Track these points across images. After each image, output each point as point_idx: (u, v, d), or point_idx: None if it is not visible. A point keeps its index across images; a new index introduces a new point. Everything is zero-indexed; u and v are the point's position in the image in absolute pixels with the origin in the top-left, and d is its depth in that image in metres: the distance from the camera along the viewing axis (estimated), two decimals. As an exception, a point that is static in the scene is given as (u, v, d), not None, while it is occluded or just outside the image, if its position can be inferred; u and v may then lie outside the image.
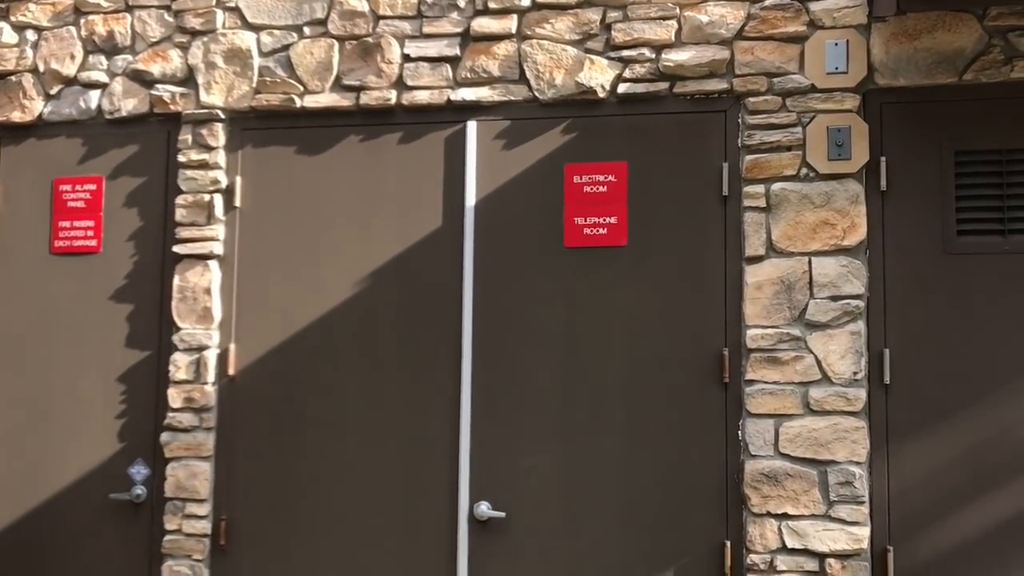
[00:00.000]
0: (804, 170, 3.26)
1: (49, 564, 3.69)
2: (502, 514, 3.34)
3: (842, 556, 3.12)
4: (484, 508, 3.35)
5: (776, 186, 3.27)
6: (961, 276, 3.16)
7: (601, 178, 3.41)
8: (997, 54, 3.18)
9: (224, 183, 3.68)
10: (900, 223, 3.21)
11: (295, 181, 3.64)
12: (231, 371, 3.61)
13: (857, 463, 3.14)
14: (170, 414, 3.62)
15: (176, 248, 3.66)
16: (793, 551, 3.16)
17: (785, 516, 3.17)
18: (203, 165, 3.68)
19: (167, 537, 3.58)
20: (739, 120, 3.33)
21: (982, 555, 3.06)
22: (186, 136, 3.70)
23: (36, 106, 3.84)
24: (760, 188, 3.28)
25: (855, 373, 3.16)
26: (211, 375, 3.61)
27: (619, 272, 3.37)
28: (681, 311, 3.32)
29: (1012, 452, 3.07)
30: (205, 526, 3.56)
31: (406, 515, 3.44)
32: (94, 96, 3.80)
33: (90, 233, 3.79)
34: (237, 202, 3.67)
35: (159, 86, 3.74)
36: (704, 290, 3.31)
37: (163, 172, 3.75)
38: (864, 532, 3.11)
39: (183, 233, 3.67)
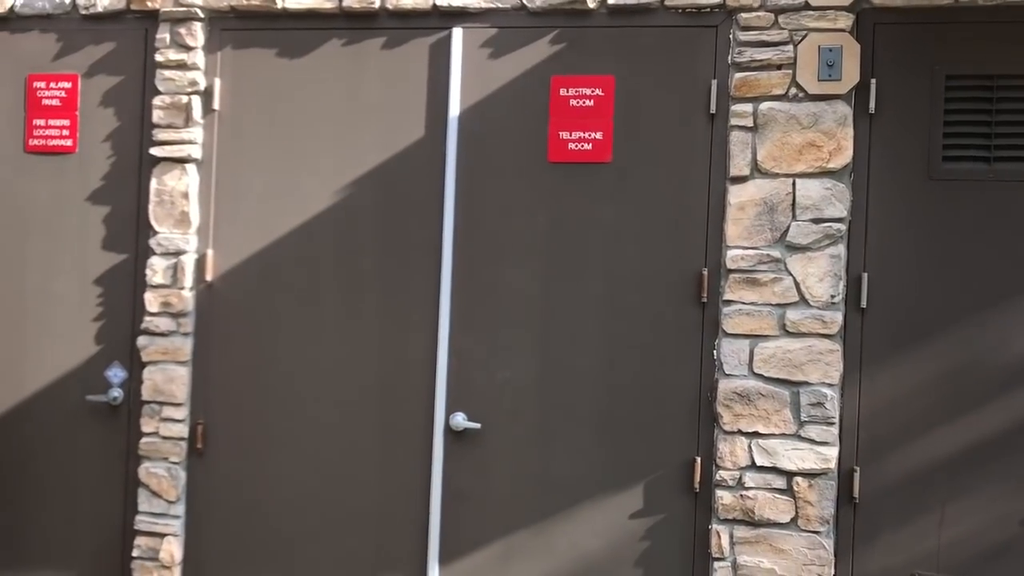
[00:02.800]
0: (793, 90, 3.22)
1: (26, 464, 3.72)
2: (477, 425, 3.38)
3: (809, 475, 3.17)
4: (460, 419, 3.39)
5: (764, 105, 3.23)
6: (944, 203, 3.15)
7: (588, 92, 3.36)
8: (995, -24, 3.11)
9: (203, 85, 3.61)
10: (886, 147, 3.18)
11: (275, 85, 3.57)
12: (208, 277, 3.59)
13: (830, 385, 3.17)
14: (147, 318, 3.61)
15: (153, 150, 3.60)
16: (762, 468, 3.21)
17: (756, 434, 3.22)
18: (181, 66, 3.60)
19: (144, 439, 3.61)
20: (730, 36, 3.27)
21: (945, 479, 3.12)
22: (164, 35, 3.60)
23: (8, -2, 3.73)
24: (748, 107, 3.24)
25: (832, 296, 3.17)
26: (188, 280, 3.59)
27: (602, 189, 3.35)
28: (663, 230, 3.30)
29: (982, 379, 3.10)
30: (182, 429, 3.59)
31: (382, 424, 3.47)
32: (68, -10, 3.69)
33: (66, 132, 3.71)
34: (216, 105, 3.60)
35: (136, -19, 3.63)
36: (687, 209, 3.29)
37: (140, 72, 3.67)
38: (832, 452, 3.16)
39: (160, 135, 3.61)
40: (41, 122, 3.73)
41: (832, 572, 3.17)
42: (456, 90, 3.43)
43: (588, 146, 3.35)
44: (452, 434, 3.42)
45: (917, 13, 3.16)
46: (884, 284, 3.17)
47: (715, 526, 3.23)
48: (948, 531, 3.11)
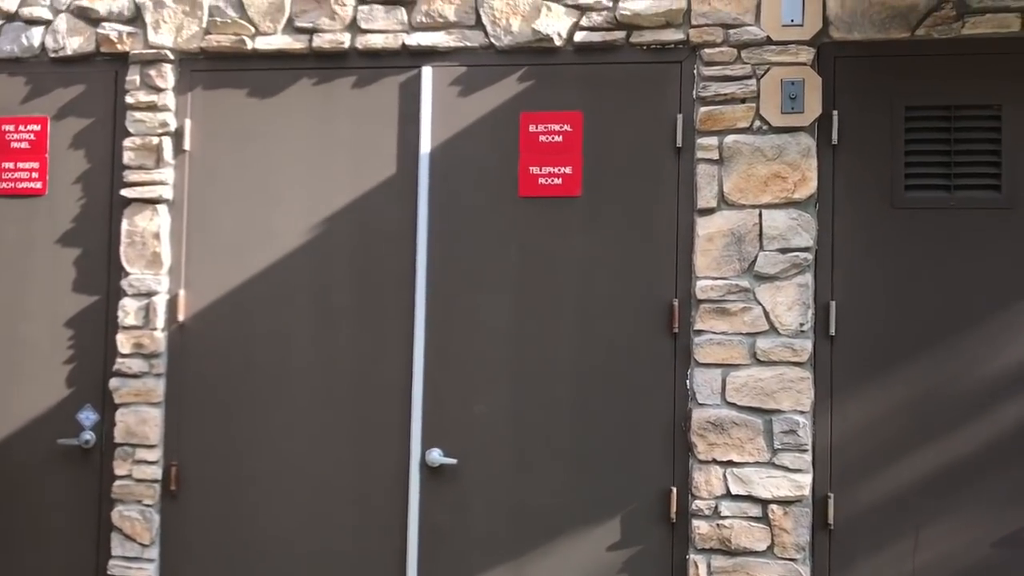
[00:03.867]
0: (757, 123, 3.28)
1: (-4, 509, 3.67)
2: (454, 460, 3.37)
3: (784, 502, 3.20)
4: (436, 455, 3.38)
5: (729, 138, 3.28)
6: (908, 231, 3.21)
7: (557, 127, 3.40)
8: (949, 10, 3.20)
9: (173, 126, 3.62)
10: (850, 177, 3.24)
11: (247, 125, 3.58)
12: (181, 317, 3.58)
13: (801, 412, 3.20)
14: (119, 360, 3.59)
15: (124, 192, 3.60)
16: (737, 497, 3.23)
17: (730, 463, 3.24)
18: (152, 107, 3.61)
19: (117, 482, 3.57)
20: (694, 71, 3.33)
21: (918, 503, 3.15)
22: (134, 77, 3.61)
23: (-24, 42, 3.73)
24: (714, 140, 3.30)
25: (802, 325, 3.21)
26: (160, 321, 3.58)
27: (573, 222, 3.38)
28: (633, 262, 3.34)
29: (952, 404, 3.15)
30: (155, 471, 3.56)
31: (358, 462, 3.46)
32: (37, 33, 3.70)
33: (35, 175, 3.70)
34: (187, 145, 3.61)
35: (105, 24, 3.65)
36: (656, 241, 3.33)
37: (111, 113, 3.67)
38: (806, 479, 3.19)
39: (131, 176, 3.61)
40: (10, 164, 3.72)
41: (809, 599, 3.18)
42: (427, 127, 3.46)
43: (558, 180, 3.39)
44: (428, 470, 3.42)
45: (876, 47, 3.25)
46: (852, 311, 3.22)
47: (692, 556, 3.24)
48: (923, 555, 3.14)
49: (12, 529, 3.65)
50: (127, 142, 3.61)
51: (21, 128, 3.72)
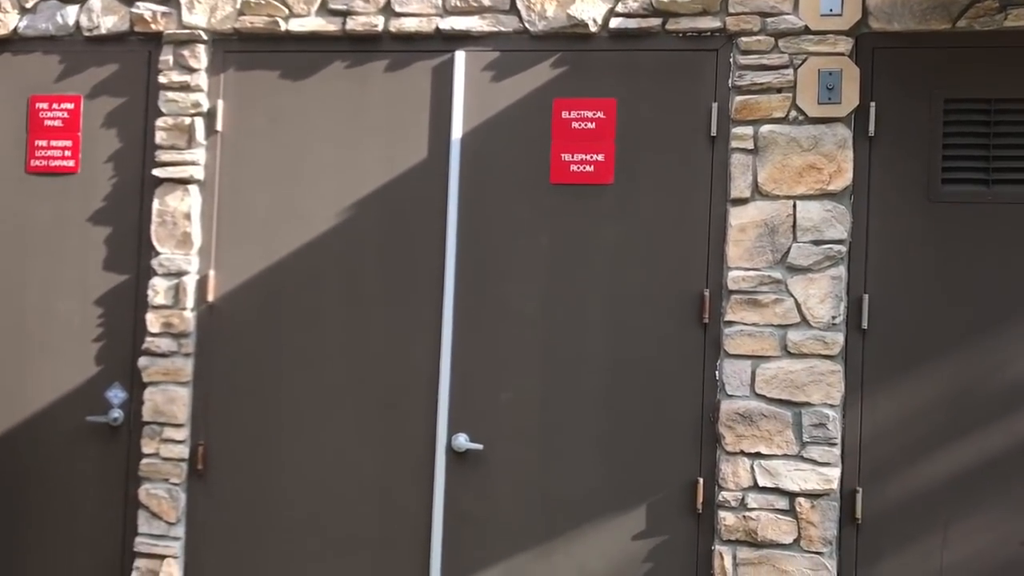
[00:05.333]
0: (793, 113, 3.24)
1: (25, 485, 3.70)
2: (480, 446, 3.37)
3: (812, 496, 3.18)
4: (462, 440, 3.38)
5: (764, 128, 3.25)
6: (944, 225, 3.17)
7: (590, 114, 3.38)
8: (991, 1, 3.15)
9: (206, 106, 3.62)
10: (886, 170, 3.21)
11: (279, 107, 3.58)
12: (210, 297, 3.59)
13: (831, 406, 3.18)
14: (148, 339, 3.60)
15: (156, 171, 3.61)
16: (764, 489, 3.21)
17: (758, 455, 3.22)
18: (184, 87, 3.61)
19: (144, 460, 3.59)
20: (731, 60, 3.30)
21: (948, 500, 3.13)
22: (167, 57, 3.62)
23: (11, 20, 3.74)
24: (749, 130, 3.27)
25: (834, 318, 3.19)
26: (190, 301, 3.59)
27: (604, 210, 3.36)
28: (664, 251, 3.32)
29: (984, 401, 3.12)
30: (183, 450, 3.57)
31: (384, 445, 3.47)
32: (71, 12, 3.71)
33: (67, 153, 3.72)
34: (219, 126, 3.61)
35: (140, 4, 3.65)
36: (688, 231, 3.31)
37: (143, 93, 3.68)
38: (835, 473, 3.17)
39: (163, 156, 3.61)
40: (43, 143, 3.74)
41: (835, 593, 3.17)
42: (459, 112, 3.45)
43: (590, 168, 3.37)
44: (454, 455, 3.42)
45: (916, 38, 3.21)
46: (885, 305, 3.19)
47: (718, 547, 3.24)
48: (951, 552, 3.12)
49: (40, 505, 3.68)
50: (159, 122, 3.62)
51: (55, 106, 3.73)
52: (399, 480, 3.45)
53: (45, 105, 3.74)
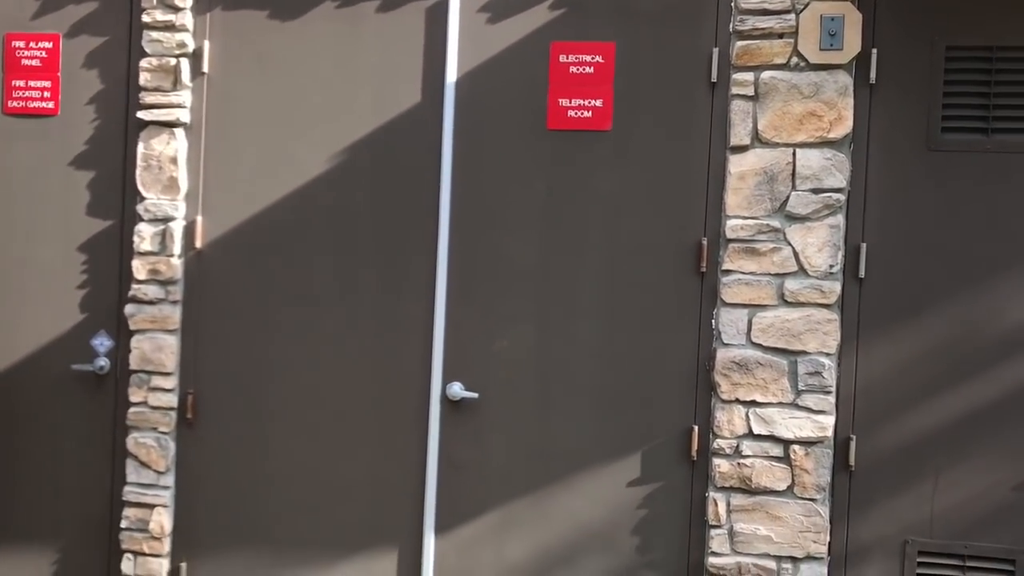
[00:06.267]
0: (795, 59, 3.20)
1: (10, 435, 3.65)
2: (475, 395, 3.36)
3: (806, 443, 3.20)
4: (457, 388, 3.36)
5: (765, 74, 3.21)
6: (943, 173, 3.16)
7: (588, 59, 3.32)
8: (997, -53, 3.11)
9: (191, 47, 3.52)
10: (886, 117, 3.18)
11: (267, 48, 3.49)
12: (198, 244, 3.53)
13: (827, 354, 3.19)
14: (135, 286, 3.54)
15: (140, 114, 3.51)
16: (759, 437, 3.23)
17: (753, 403, 3.23)
18: (169, 27, 3.50)
19: (132, 409, 3.55)
20: (732, 4, 3.24)
21: (940, 447, 3.16)
22: (150, -6, 3.50)
23: (-15, -46, 3.60)
24: (749, 76, 3.22)
25: (831, 266, 3.18)
26: (177, 247, 3.52)
27: (602, 157, 3.32)
28: (662, 199, 3.29)
29: (978, 349, 3.14)
30: (171, 399, 3.53)
31: (378, 393, 3.44)
32: (49, -54, 3.57)
33: (47, 95, 3.60)
34: (205, 68, 3.52)
35: (121, -62, 3.52)
36: (686, 178, 3.28)
37: (126, 33, 3.56)
38: (829, 421, 3.18)
39: (147, 99, 3.51)
40: (21, 83, 3.62)
41: (827, 539, 3.20)
42: (453, 55, 3.37)
43: (588, 113, 3.32)
44: (449, 403, 3.40)
45: (919, -17, 3.16)
46: (882, 254, 3.19)
47: (712, 494, 3.25)
48: (942, 498, 3.16)
49: (27, 453, 3.63)
50: (143, 63, 3.51)
51: (32, 45, 3.61)
52: (393, 429, 3.43)
53: (22, 44, 3.61)
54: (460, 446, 3.39)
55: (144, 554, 3.53)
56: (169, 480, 3.54)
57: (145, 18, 3.50)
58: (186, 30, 3.50)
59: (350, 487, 3.47)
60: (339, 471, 3.47)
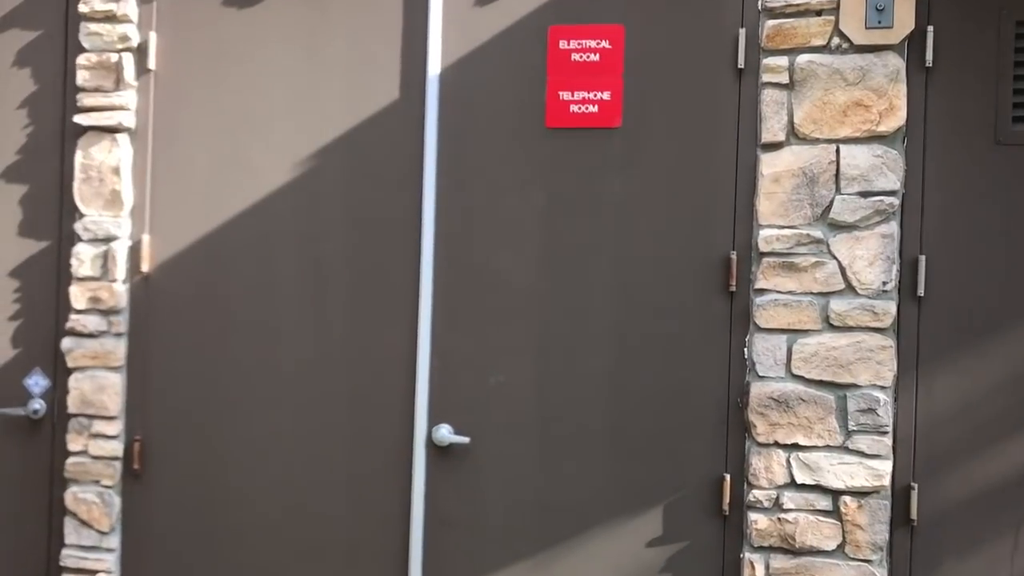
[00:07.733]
0: (836, 40, 2.90)
1: (-69, 489, 3.38)
2: (466, 439, 3.11)
3: (859, 493, 2.88)
4: (445, 432, 3.11)
5: (802, 58, 2.90)
6: (1014, 171, 2.85)
7: (593, 44, 3.06)
8: (1074, -96, 2.77)
9: (136, 40, 3.32)
10: (946, 106, 2.88)
11: (222, 40, 3.27)
12: (145, 267, 3.32)
13: (882, 388, 2.87)
14: (73, 316, 3.32)
15: (78, 118, 3.31)
16: (803, 487, 2.91)
17: (795, 447, 2.92)
18: (110, 17, 3.30)
19: (71, 460, 3.32)
20: (760, -23, 2.97)
21: (1019, 497, 2.83)
22: (89, -18, 3.31)
23: (-100, -63, 3.40)
24: (783, 60, 2.92)
25: (884, 283, 2.87)
26: (121, 271, 3.30)
27: (611, 159, 3.05)
28: (682, 206, 3.01)
29: (1062, 378, 2.81)
30: (116, 447, 3.31)
31: (354, 438, 3.20)
32: (-28, -73, 3.38)
33: (-28, 99, 3.38)
34: (151, 64, 3.32)
35: (54, -83, 3.31)
36: (711, 182, 2.99)
37: (61, 25, 3.35)
38: (886, 467, 2.86)
39: (86, 100, 3.31)
40: (-57, 87, 3.41)
41: (886, 608, 2.88)
42: (436, 44, 3.14)
43: (593, 108, 3.06)
44: (436, 449, 3.14)
45: (982, -52, 2.83)
46: (945, 268, 2.88)
47: (747, 555, 2.93)
48: (1023, 559, 2.84)
49: (-51, 512, 3.37)
50: (81, 59, 3.31)
51: (-45, 43, 3.38)
52: (372, 479, 3.18)
53: (-55, 41, 3.38)
54: (449, 500, 3.13)
55: (85, 628, 3.29)
56: (114, 542, 3.30)
57: (82, 7, 3.29)
58: (130, 21, 3.29)
59: (322, 547, 3.21)
60: (309, 529, 3.22)
